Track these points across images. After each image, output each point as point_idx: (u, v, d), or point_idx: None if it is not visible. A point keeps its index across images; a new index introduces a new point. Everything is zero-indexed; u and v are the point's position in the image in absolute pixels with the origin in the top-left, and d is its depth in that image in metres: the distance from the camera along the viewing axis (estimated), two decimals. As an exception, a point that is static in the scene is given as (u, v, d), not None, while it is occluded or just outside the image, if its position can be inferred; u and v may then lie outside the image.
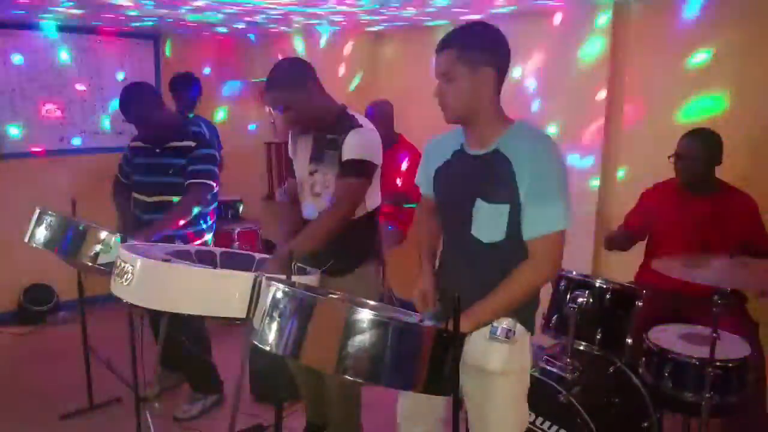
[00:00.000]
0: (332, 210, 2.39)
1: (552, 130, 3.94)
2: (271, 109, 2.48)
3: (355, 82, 5.14)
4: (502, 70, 1.84)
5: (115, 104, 4.87)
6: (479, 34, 1.84)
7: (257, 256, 2.64)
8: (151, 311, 2.84)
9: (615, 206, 3.74)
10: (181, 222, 3.06)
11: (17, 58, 4.58)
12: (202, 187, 3.10)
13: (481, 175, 1.85)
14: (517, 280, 1.80)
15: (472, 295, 1.78)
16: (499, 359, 1.85)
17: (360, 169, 2.40)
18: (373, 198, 2.55)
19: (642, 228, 3.08)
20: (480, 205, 1.83)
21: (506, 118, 1.89)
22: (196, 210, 3.10)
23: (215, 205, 3.35)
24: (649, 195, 3.11)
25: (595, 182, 3.80)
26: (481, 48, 1.80)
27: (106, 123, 5.04)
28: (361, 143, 2.41)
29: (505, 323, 1.83)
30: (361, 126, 2.44)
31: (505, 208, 1.79)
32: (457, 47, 1.79)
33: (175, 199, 3.12)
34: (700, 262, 2.35)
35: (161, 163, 3.15)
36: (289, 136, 2.71)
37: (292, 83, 2.41)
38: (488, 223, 1.83)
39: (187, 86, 4.49)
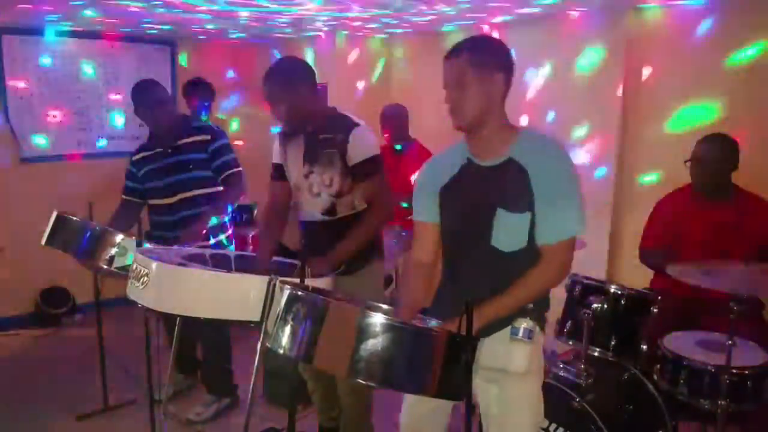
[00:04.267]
0: (378, 210, 2.50)
1: (567, 136, 3.93)
2: (267, 101, 2.53)
3: (368, 85, 5.15)
4: (509, 76, 1.87)
5: (131, 109, 4.94)
6: (487, 41, 1.91)
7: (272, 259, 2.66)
8: (167, 315, 2.87)
9: (630, 212, 3.72)
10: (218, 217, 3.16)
11: (36, 64, 4.63)
12: (236, 176, 3.21)
13: (499, 185, 1.85)
14: (527, 283, 1.82)
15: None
16: (523, 359, 1.85)
17: (380, 164, 2.51)
18: None
19: (669, 244, 2.97)
20: (501, 215, 1.83)
21: (512, 125, 1.91)
22: (235, 204, 3.25)
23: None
24: (663, 206, 3.03)
25: (610, 188, 3.77)
26: (490, 53, 1.85)
27: (122, 128, 5.09)
28: (370, 140, 2.51)
29: (524, 324, 1.84)
30: (359, 124, 2.52)
31: (527, 217, 1.81)
32: (468, 53, 1.82)
33: (198, 191, 3.17)
34: (716, 269, 2.33)
35: (176, 162, 3.17)
36: (277, 140, 2.73)
37: (290, 78, 2.49)
38: (510, 232, 1.84)
39: (200, 90, 4.53)
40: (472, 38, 1.91)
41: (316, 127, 2.54)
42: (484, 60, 1.82)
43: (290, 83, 2.47)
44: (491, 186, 1.87)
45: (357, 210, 2.55)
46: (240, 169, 3.24)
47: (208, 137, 3.18)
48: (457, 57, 1.83)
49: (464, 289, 1.94)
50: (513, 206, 1.82)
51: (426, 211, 2.04)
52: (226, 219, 3.35)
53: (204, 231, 3.07)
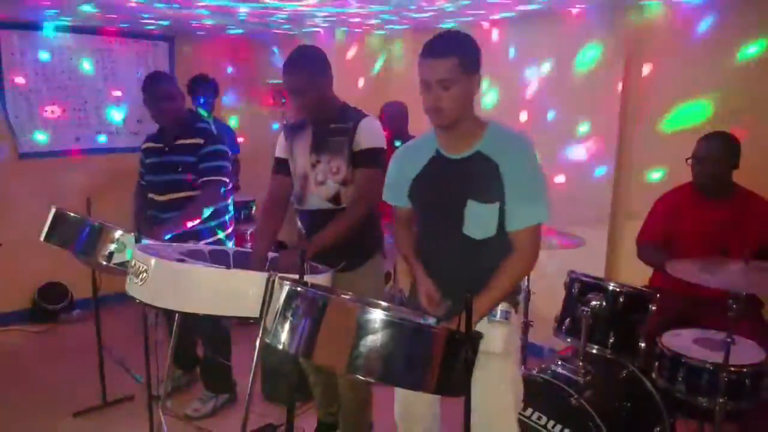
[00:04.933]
0: (359, 202, 2.45)
1: (566, 133, 3.93)
2: (288, 91, 2.50)
3: (367, 81, 5.15)
4: (481, 75, 1.93)
5: (129, 105, 4.96)
6: (471, 40, 1.92)
7: (270, 255, 2.66)
8: (166, 311, 2.86)
9: (630, 210, 3.72)
10: (191, 223, 3.05)
11: (34, 59, 4.61)
12: (213, 184, 3.11)
13: (469, 177, 1.92)
14: (507, 272, 1.91)
15: (468, 288, 1.83)
16: (502, 340, 1.93)
17: (380, 158, 2.47)
18: None
19: (667, 240, 2.97)
20: (472, 206, 1.91)
21: (479, 118, 1.97)
22: (208, 211, 3.10)
23: (231, 199, 3.36)
24: (662, 204, 3.03)
25: (610, 185, 3.77)
26: (475, 53, 1.90)
27: (121, 123, 5.08)
28: (376, 132, 2.49)
29: (501, 306, 1.93)
30: (369, 115, 2.52)
31: (496, 207, 1.90)
32: (458, 55, 1.85)
33: (188, 194, 3.12)
34: (715, 267, 2.33)
35: (170, 161, 3.16)
36: (283, 134, 2.71)
37: (315, 68, 2.47)
38: (481, 221, 1.92)
39: (205, 88, 4.52)
40: (457, 37, 1.91)
41: (328, 117, 2.52)
42: (471, 60, 1.88)
43: (316, 73, 2.46)
44: (461, 178, 1.94)
45: None
46: (221, 179, 3.13)
47: (201, 141, 3.12)
48: (444, 57, 1.83)
49: (440, 276, 2.01)
50: (483, 197, 1.90)
51: (399, 199, 2.13)
52: (227, 217, 3.33)
53: (165, 234, 2.93)
